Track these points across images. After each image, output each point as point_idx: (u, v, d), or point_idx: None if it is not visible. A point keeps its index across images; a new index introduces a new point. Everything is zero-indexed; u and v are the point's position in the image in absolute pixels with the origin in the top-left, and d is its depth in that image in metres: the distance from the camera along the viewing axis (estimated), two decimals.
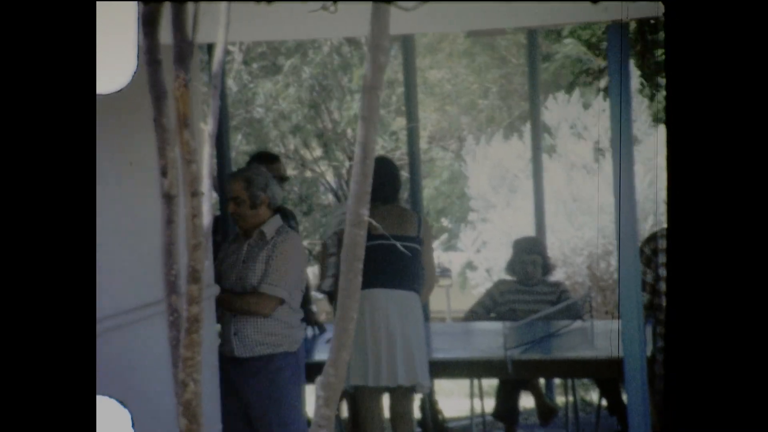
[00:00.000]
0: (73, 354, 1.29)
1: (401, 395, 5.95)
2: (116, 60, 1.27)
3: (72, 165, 1.29)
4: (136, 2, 1.25)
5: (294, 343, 5.32)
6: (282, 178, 6.74)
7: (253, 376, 5.26)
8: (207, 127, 1.69)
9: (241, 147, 16.39)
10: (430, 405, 7.26)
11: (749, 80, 1.82)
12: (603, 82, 12.71)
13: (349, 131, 16.92)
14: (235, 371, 5.24)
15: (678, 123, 1.85)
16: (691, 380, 1.85)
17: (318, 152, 18.21)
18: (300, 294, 5.41)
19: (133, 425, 1.38)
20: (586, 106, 12.81)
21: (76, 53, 1.26)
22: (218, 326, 5.39)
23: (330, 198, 18.52)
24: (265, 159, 6.85)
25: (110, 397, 4.55)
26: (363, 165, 1.80)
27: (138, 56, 1.55)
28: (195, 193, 1.82)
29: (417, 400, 6.72)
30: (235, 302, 5.24)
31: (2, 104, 1.27)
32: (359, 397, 5.94)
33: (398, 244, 5.52)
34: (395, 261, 5.71)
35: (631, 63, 10.88)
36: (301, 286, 5.41)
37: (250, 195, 5.25)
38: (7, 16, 1.26)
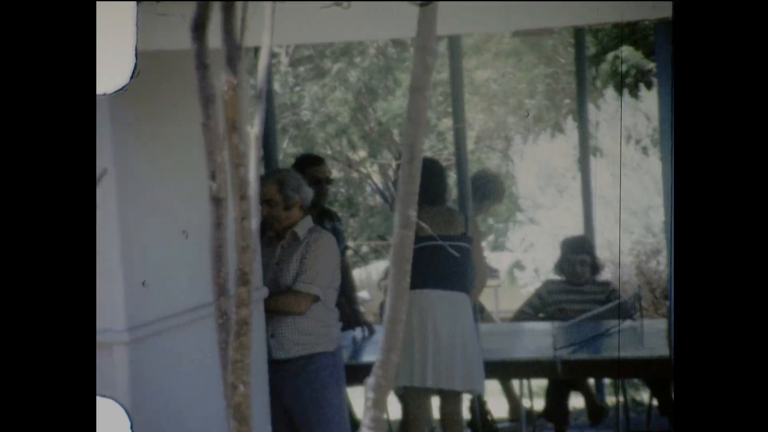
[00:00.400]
0: (73, 356, 1.29)
1: (450, 396, 5.95)
2: (115, 60, 1.27)
3: (72, 165, 1.29)
4: (135, 2, 1.25)
5: (331, 342, 5.29)
6: (327, 180, 6.76)
7: (292, 378, 5.23)
8: (253, 130, 1.70)
9: (288, 149, 16.45)
10: (479, 405, 7.24)
11: (756, 81, 1.80)
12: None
13: (394, 131, 16.92)
14: (273, 373, 5.17)
15: (685, 124, 1.84)
16: (700, 381, 1.83)
17: (363, 153, 18.22)
18: (334, 293, 5.40)
19: (131, 426, 1.38)
20: (635, 106, 12.71)
21: (76, 53, 1.26)
22: None
23: (377, 199, 18.53)
24: (311, 161, 6.88)
25: (158, 402, 4.58)
26: (410, 166, 1.80)
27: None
28: (243, 197, 1.83)
29: (466, 401, 6.70)
30: (270, 302, 5.18)
31: (2, 104, 1.27)
32: (408, 398, 5.94)
33: (446, 245, 5.52)
34: (443, 261, 5.71)
35: None
36: (335, 284, 5.40)
37: (283, 197, 5.24)
38: (7, 16, 1.27)
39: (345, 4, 2.01)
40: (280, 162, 6.60)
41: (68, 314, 1.28)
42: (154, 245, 4.74)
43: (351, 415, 6.03)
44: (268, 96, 6.33)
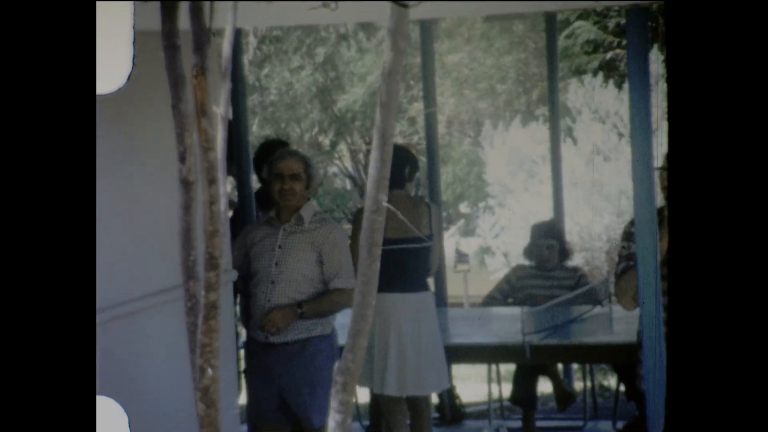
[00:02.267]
0: (72, 353, 1.28)
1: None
2: (114, 60, 1.26)
3: (72, 165, 1.28)
4: (133, 2, 1.24)
5: (328, 325, 5.25)
6: None
7: (288, 362, 5.18)
8: (219, 110, 1.69)
9: (257, 132, 16.40)
10: (447, 390, 7.27)
11: (750, 76, 1.81)
12: (624, 67, 12.65)
13: (359, 117, 16.89)
14: (268, 357, 5.18)
15: (679, 120, 1.84)
16: (694, 378, 1.84)
17: (331, 138, 18.19)
18: None
19: (129, 424, 1.37)
20: (607, 90, 12.76)
21: (76, 53, 1.25)
22: (237, 310, 5.37)
23: (348, 183, 18.53)
24: (273, 146, 6.83)
25: (124, 383, 4.56)
26: (381, 150, 1.80)
27: (133, 49, 1.54)
28: (213, 180, 1.82)
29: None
30: (324, 306, 5.15)
31: (2, 104, 1.26)
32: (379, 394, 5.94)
33: (411, 247, 5.57)
34: (406, 264, 5.69)
35: (655, 47, 10.78)
36: None
37: (308, 175, 5.21)
38: (7, 16, 1.25)
39: (333, 5, 2.00)
40: (249, 144, 6.54)
41: (68, 314, 1.27)
42: (124, 225, 4.72)
43: None
44: (240, 77, 6.29)
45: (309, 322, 5.14)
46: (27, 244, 1.28)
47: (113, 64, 1.26)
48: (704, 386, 1.83)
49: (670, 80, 1.85)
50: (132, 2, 1.22)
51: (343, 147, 18.31)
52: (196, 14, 1.56)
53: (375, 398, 6.20)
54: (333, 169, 18.75)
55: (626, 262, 4.65)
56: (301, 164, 5.20)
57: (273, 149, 6.68)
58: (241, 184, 6.34)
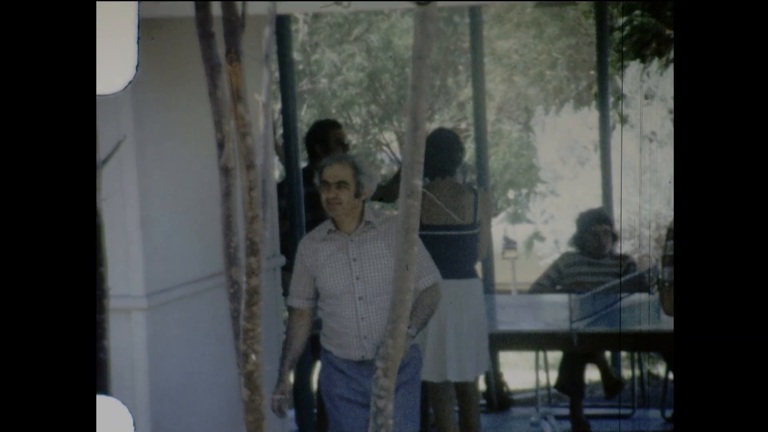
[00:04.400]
0: (72, 353, 1.29)
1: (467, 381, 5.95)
2: (116, 61, 1.26)
3: (72, 165, 1.28)
4: (136, 2, 1.24)
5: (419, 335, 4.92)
6: (343, 146, 6.75)
7: (370, 371, 4.80)
8: (261, 98, 1.69)
9: (305, 118, 16.45)
10: (494, 377, 7.25)
11: (757, 76, 1.78)
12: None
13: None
14: (359, 372, 4.77)
15: (686, 123, 1.82)
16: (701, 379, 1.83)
17: (380, 123, 18.20)
18: None
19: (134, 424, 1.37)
20: (663, 76, 12.63)
21: (76, 53, 1.26)
22: (313, 325, 4.91)
23: (395, 168, 18.52)
24: (328, 125, 6.88)
25: (171, 368, 4.59)
26: (414, 135, 1.79)
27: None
28: (251, 166, 1.82)
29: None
30: (427, 315, 4.81)
31: (2, 105, 1.27)
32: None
33: (455, 235, 5.54)
34: (452, 249, 5.68)
35: None
36: None
37: (357, 182, 4.70)
38: (7, 16, 1.26)
39: (345, 3, 2.00)
40: (297, 128, 6.55)
41: (68, 313, 1.28)
42: (171, 211, 4.76)
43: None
44: (289, 64, 6.29)
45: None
46: (26, 245, 1.28)
47: (116, 65, 1.26)
48: (712, 386, 1.82)
49: (677, 83, 1.83)
50: (136, 2, 1.22)
51: (391, 133, 18.31)
52: (228, 1, 1.56)
53: (422, 385, 6.21)
54: (381, 156, 18.74)
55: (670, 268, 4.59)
56: (349, 170, 4.72)
57: (325, 129, 6.74)
58: (290, 171, 6.35)
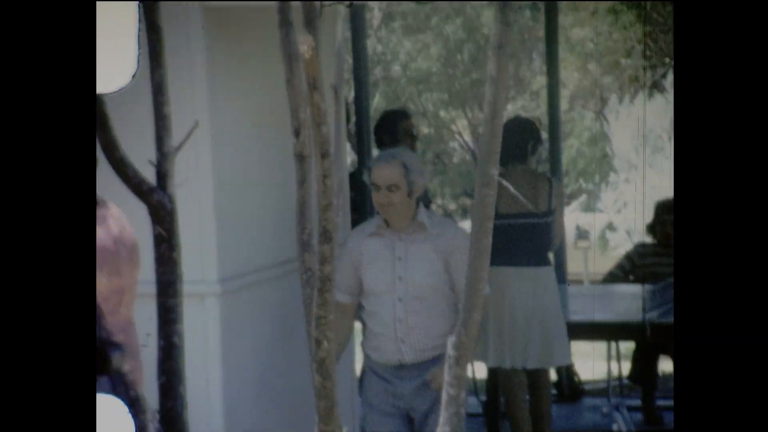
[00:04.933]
0: (72, 355, 1.29)
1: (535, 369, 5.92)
2: (116, 60, 1.26)
3: (72, 166, 1.29)
4: (136, 2, 1.24)
5: None
6: (413, 137, 6.75)
7: (415, 379, 4.63)
8: (334, 86, 1.70)
9: (378, 106, 16.48)
10: (566, 367, 7.21)
11: (759, 74, 1.75)
12: None
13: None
14: (396, 376, 4.66)
15: (686, 123, 1.79)
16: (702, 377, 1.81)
17: (454, 111, 18.17)
18: None
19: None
20: None
21: (76, 53, 1.26)
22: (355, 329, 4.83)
23: (468, 157, 18.49)
24: (400, 116, 6.87)
25: (243, 354, 4.64)
26: (492, 124, 1.79)
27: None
28: (325, 154, 1.83)
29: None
30: (477, 332, 4.68)
31: (1, 105, 1.28)
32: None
33: (528, 222, 5.50)
34: (523, 237, 5.65)
35: None
36: None
37: (408, 182, 4.52)
38: (7, 16, 1.27)
39: (346, 3, 2.00)
40: (370, 117, 6.56)
41: (67, 313, 1.28)
42: (245, 198, 4.80)
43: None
44: (361, 52, 6.30)
45: (442, 339, 4.44)
46: (25, 245, 1.29)
47: (116, 65, 1.27)
48: (713, 387, 1.80)
49: (677, 81, 1.80)
50: (136, 2, 1.23)
51: (463, 121, 18.27)
52: None
53: (493, 373, 6.20)
54: (453, 144, 18.71)
55: None
56: (399, 170, 4.53)
57: (394, 120, 6.74)
58: (362, 159, 6.37)
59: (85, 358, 1.28)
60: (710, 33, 1.75)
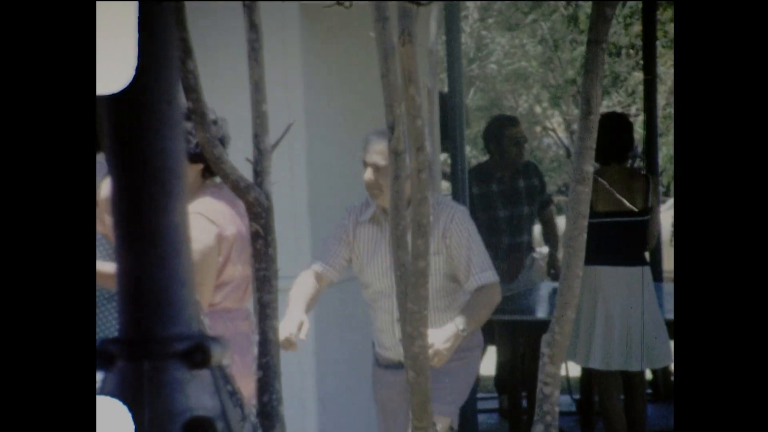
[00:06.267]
0: (73, 355, 1.30)
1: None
2: (116, 61, 1.27)
3: (72, 166, 1.30)
4: (136, 2, 1.25)
5: (473, 337, 4.27)
6: (519, 144, 6.78)
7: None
8: (427, 83, 1.70)
9: (473, 102, 16.43)
10: (661, 369, 7.11)
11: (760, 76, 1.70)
12: None
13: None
14: (393, 374, 4.34)
15: (686, 120, 1.74)
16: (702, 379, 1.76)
17: (549, 108, 18.03)
18: None
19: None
20: None
21: (76, 53, 1.27)
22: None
23: (561, 153, 18.34)
24: (508, 122, 6.93)
25: (336, 348, 4.65)
26: (587, 120, 1.78)
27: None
28: (420, 149, 1.84)
29: None
30: (482, 317, 4.19)
31: (1, 104, 1.29)
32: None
33: (623, 221, 5.43)
34: (617, 237, 5.59)
35: None
36: None
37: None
38: (7, 16, 1.28)
39: (347, 3, 1.99)
40: (463, 113, 6.55)
41: (68, 313, 1.30)
42: (339, 194, 4.83)
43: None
44: (456, 49, 6.29)
45: None
46: (24, 246, 1.31)
47: (116, 65, 1.27)
48: (713, 390, 1.76)
49: (677, 78, 1.75)
50: (136, 2, 1.23)
51: (558, 117, 18.13)
52: None
53: (587, 372, 6.15)
54: (547, 140, 18.58)
55: None
56: (387, 151, 4.09)
57: (501, 127, 6.82)
58: (455, 160, 6.35)
59: (85, 358, 1.30)
60: (712, 31, 1.72)
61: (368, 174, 4.14)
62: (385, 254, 4.18)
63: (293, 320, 4.00)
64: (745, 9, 1.72)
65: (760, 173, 1.71)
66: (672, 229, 11.90)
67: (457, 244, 4.13)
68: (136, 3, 1.25)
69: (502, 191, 6.71)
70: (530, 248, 6.89)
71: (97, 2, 1.24)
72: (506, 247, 6.67)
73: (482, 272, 4.15)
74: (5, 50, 1.27)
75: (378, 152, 4.09)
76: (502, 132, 6.72)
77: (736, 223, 1.74)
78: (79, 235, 1.28)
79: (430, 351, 3.86)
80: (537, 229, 7.48)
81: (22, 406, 1.28)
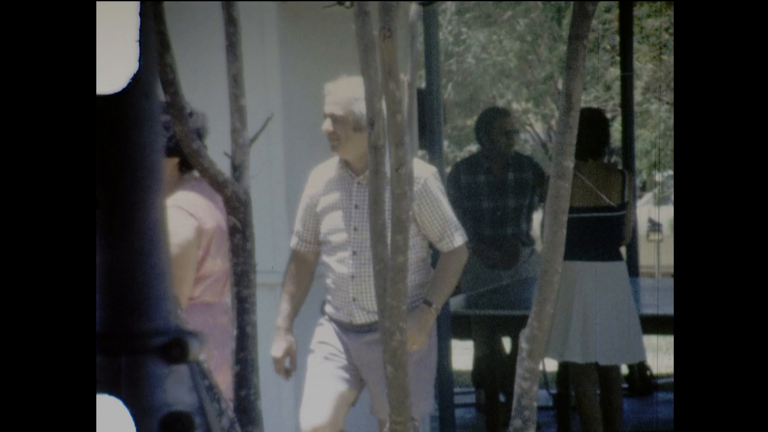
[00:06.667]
0: (72, 355, 1.29)
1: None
2: (116, 61, 1.27)
3: (72, 166, 1.29)
4: (136, 2, 1.25)
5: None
6: (508, 134, 6.81)
7: (370, 346, 4.08)
8: (406, 77, 1.70)
9: (449, 97, 16.44)
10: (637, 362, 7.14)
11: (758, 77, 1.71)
12: None
13: (560, 80, 16.69)
14: (350, 338, 4.18)
15: (686, 122, 1.75)
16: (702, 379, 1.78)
17: (526, 104, 18.06)
18: None
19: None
20: None
21: (76, 53, 1.26)
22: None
23: (538, 149, 18.37)
24: (499, 114, 6.99)
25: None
26: (567, 116, 1.78)
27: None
28: (399, 144, 1.84)
29: None
30: (451, 286, 4.11)
31: (1, 105, 1.29)
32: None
33: (598, 216, 5.44)
34: (594, 231, 5.60)
35: None
36: None
37: (355, 114, 3.93)
38: (7, 15, 1.28)
39: (347, 3, 1.99)
40: (441, 108, 6.56)
41: (67, 313, 1.29)
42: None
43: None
44: (434, 43, 6.30)
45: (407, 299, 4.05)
46: (24, 246, 1.30)
47: (116, 65, 1.27)
48: (713, 390, 1.77)
49: (677, 80, 1.76)
50: (136, 2, 1.23)
51: (534, 114, 18.17)
52: None
53: (564, 366, 6.17)
54: (525, 136, 18.62)
55: None
56: (345, 98, 3.95)
57: (491, 117, 6.90)
58: (433, 155, 6.35)
59: (86, 358, 1.29)
60: (711, 32, 1.73)
61: (326, 125, 4.01)
62: (345, 209, 4.05)
63: (279, 344, 4.10)
64: (745, 9, 1.72)
65: (759, 172, 1.72)
66: (648, 224, 11.95)
67: (429, 209, 4.02)
68: (136, 3, 1.24)
69: (489, 182, 6.71)
70: (527, 240, 6.84)
71: (97, 2, 1.23)
72: (488, 239, 6.66)
73: (452, 234, 4.06)
74: (5, 50, 1.27)
75: (335, 102, 3.97)
76: (492, 123, 6.77)
77: (735, 223, 1.74)
78: (79, 235, 1.28)
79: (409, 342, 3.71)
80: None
81: (22, 406, 1.27)
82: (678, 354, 1.82)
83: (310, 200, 4.15)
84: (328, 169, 4.15)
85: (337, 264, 4.09)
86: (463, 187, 6.62)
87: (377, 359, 3.67)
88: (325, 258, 4.14)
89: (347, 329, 4.16)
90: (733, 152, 1.73)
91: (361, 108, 3.86)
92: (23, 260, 1.27)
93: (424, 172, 4.07)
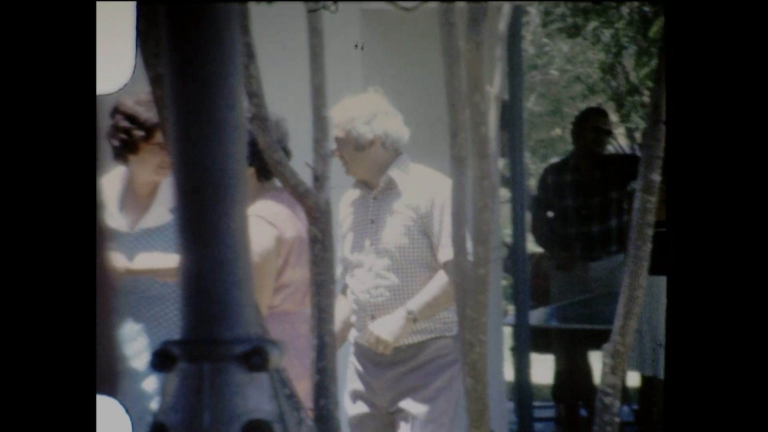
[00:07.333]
0: (72, 354, 1.29)
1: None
2: (116, 61, 1.26)
3: (72, 166, 1.29)
4: (135, 2, 1.24)
5: (452, 324, 3.70)
6: (599, 132, 6.76)
7: (390, 368, 3.86)
8: (493, 89, 1.69)
9: (533, 108, 16.34)
10: None
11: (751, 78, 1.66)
12: None
13: (645, 92, 16.50)
14: (370, 361, 3.91)
15: (677, 123, 1.70)
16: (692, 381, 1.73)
17: (612, 116, 17.88)
18: None
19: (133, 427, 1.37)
20: None
21: (76, 53, 1.26)
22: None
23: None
24: (590, 111, 7.22)
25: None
26: (655, 129, 1.76)
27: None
28: (483, 156, 1.83)
29: None
30: (441, 300, 3.78)
31: (1, 105, 1.29)
32: None
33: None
34: (661, 245, 5.50)
35: None
36: None
37: (355, 135, 3.81)
38: (7, 15, 1.28)
39: (332, 7, 1.96)
40: (525, 121, 6.54)
41: (67, 313, 1.29)
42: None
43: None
44: (517, 55, 6.28)
45: (427, 323, 3.81)
46: (25, 246, 1.30)
47: (116, 65, 1.27)
48: (704, 391, 1.72)
49: (668, 81, 1.71)
50: (135, 2, 1.23)
51: (619, 125, 17.97)
52: None
53: (647, 381, 6.08)
54: (609, 149, 18.44)
55: None
56: (342, 119, 3.82)
57: (586, 115, 6.99)
58: (514, 166, 6.31)
59: (85, 359, 1.29)
60: (700, 33, 1.69)
61: (333, 149, 3.76)
62: (363, 225, 3.89)
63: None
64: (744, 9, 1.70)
65: (758, 172, 1.69)
66: None
67: (441, 215, 3.78)
68: (136, 3, 1.25)
69: (575, 180, 6.60)
70: (618, 246, 6.56)
71: (97, 2, 1.24)
72: (572, 237, 6.51)
73: (447, 246, 3.63)
74: (6, 50, 1.28)
75: (336, 125, 3.78)
76: (587, 119, 6.82)
77: (735, 223, 1.71)
78: (79, 234, 1.29)
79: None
80: None
81: (22, 406, 1.28)
82: (669, 356, 1.79)
83: (340, 226, 3.91)
84: (351, 192, 4.01)
85: (356, 282, 3.89)
86: (550, 187, 6.58)
87: (399, 386, 3.77)
88: (347, 279, 3.95)
89: (368, 357, 3.89)
90: (730, 153, 1.70)
91: (358, 127, 3.80)
92: (23, 260, 1.28)
93: (443, 186, 3.66)
